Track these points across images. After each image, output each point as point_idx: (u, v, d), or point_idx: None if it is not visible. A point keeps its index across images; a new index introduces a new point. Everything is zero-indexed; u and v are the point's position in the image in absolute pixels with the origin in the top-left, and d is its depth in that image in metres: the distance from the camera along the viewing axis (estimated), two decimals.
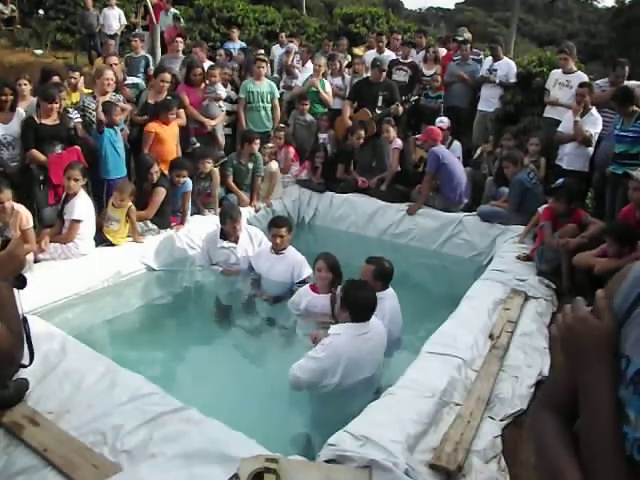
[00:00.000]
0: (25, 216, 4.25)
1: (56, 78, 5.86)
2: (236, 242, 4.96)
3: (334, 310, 3.92)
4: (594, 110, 5.81)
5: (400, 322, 3.82)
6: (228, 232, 4.95)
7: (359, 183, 6.79)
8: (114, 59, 6.63)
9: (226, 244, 4.93)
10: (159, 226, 5.32)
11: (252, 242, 5.04)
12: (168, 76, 6.17)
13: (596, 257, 4.25)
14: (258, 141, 6.20)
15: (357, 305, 3.23)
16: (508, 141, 6.39)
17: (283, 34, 9.75)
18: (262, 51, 8.54)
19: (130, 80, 6.67)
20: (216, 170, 5.95)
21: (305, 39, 10.84)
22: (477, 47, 8.13)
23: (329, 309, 3.97)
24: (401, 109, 7.01)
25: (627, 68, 5.99)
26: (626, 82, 5.82)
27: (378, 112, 6.98)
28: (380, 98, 7.03)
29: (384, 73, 7.15)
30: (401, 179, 6.64)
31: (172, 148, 5.92)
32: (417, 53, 8.15)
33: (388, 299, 3.70)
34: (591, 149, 5.85)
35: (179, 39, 7.83)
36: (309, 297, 4.11)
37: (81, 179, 4.68)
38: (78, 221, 4.59)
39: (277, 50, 9.34)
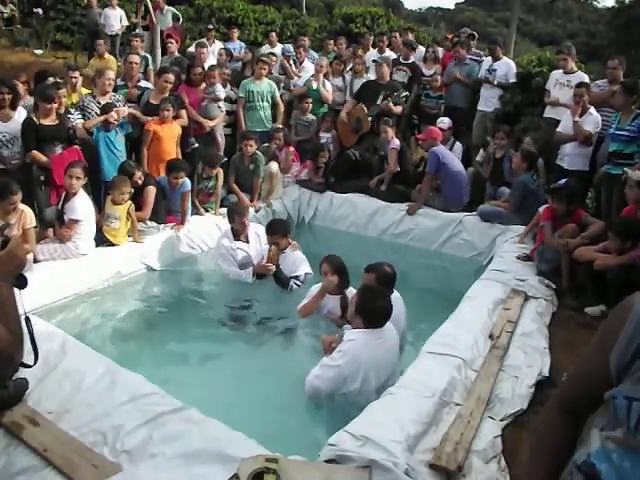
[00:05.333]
0: (29, 216, 4.26)
1: (51, 79, 5.85)
2: (247, 241, 5.01)
3: (344, 312, 3.91)
4: (593, 110, 5.81)
5: (402, 327, 3.76)
6: (238, 230, 4.98)
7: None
8: (136, 58, 6.60)
9: (240, 244, 4.96)
10: (156, 222, 5.38)
11: (259, 239, 5.07)
12: (171, 76, 6.17)
13: (597, 252, 4.24)
14: (252, 142, 6.19)
15: (372, 313, 3.20)
16: (501, 140, 6.38)
17: (273, 34, 9.69)
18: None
19: (143, 84, 6.66)
20: (221, 171, 5.96)
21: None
22: (477, 47, 8.11)
23: (339, 310, 3.96)
24: (399, 108, 7.00)
25: (617, 61, 5.97)
26: None
27: (372, 109, 7.00)
28: (380, 97, 7.04)
29: (384, 69, 7.12)
30: (401, 179, 6.65)
31: (170, 148, 5.92)
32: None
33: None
34: (591, 148, 5.85)
35: (169, 40, 7.84)
36: None
37: (82, 178, 4.70)
38: (76, 221, 4.60)
39: (272, 49, 9.28)
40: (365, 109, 7.01)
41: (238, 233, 5.01)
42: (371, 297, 3.27)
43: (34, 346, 2.43)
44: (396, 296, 3.77)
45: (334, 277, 3.93)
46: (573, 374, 1.32)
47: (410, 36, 8.64)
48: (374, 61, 7.33)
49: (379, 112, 6.90)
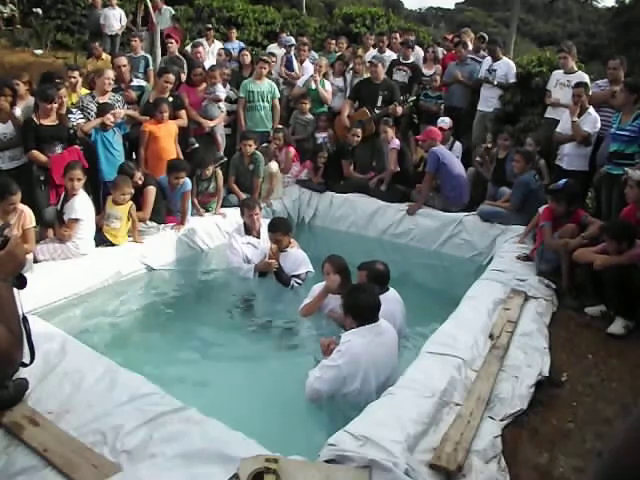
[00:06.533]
0: (29, 216, 4.26)
1: (58, 81, 5.85)
2: (258, 237, 5.04)
3: None
4: (591, 109, 5.82)
5: (400, 325, 3.76)
6: (249, 225, 5.03)
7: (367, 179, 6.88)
8: (123, 60, 6.60)
9: (250, 239, 5.00)
10: (156, 222, 5.39)
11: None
12: (172, 77, 6.19)
13: (596, 253, 4.24)
14: (251, 142, 6.20)
15: (358, 308, 3.21)
16: (505, 141, 6.38)
17: (284, 34, 9.70)
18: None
19: (136, 82, 6.66)
20: (219, 171, 5.96)
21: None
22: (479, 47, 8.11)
23: (340, 310, 3.95)
24: (400, 109, 7.00)
25: (619, 61, 5.96)
26: None
27: (377, 112, 6.99)
28: (380, 98, 7.04)
29: (379, 69, 7.10)
30: (401, 179, 6.65)
31: (169, 146, 5.94)
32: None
33: (386, 303, 3.63)
34: (590, 148, 5.85)
35: (169, 40, 7.84)
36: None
37: (83, 178, 4.71)
38: (77, 220, 4.61)
39: (276, 49, 9.31)
40: (368, 112, 7.00)
41: (250, 228, 5.05)
42: (352, 293, 3.30)
43: (30, 345, 2.43)
44: (392, 294, 3.79)
45: (336, 276, 3.93)
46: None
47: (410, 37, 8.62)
48: (369, 62, 7.34)
49: (386, 114, 6.89)
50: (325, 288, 3.99)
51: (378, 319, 3.23)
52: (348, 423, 2.60)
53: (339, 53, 8.61)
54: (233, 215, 6.00)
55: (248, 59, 7.75)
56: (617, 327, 3.95)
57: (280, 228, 4.74)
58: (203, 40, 8.93)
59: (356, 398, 3.06)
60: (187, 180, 5.51)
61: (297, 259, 4.77)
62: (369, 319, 3.19)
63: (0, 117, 5.02)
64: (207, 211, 5.94)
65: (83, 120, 5.59)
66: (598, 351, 3.74)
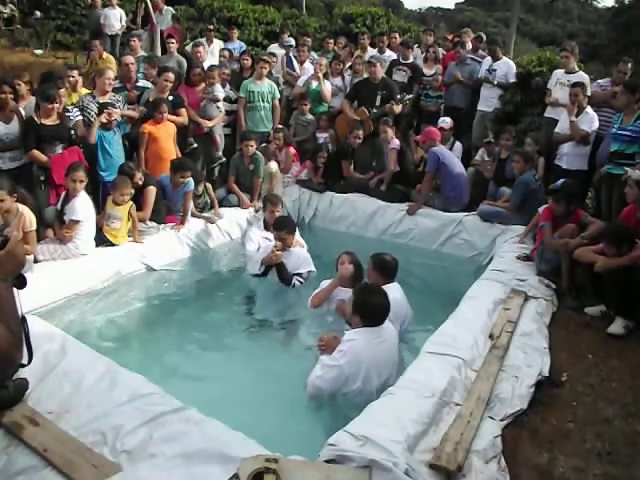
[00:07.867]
0: (29, 218, 4.23)
1: (60, 81, 5.85)
2: None
3: None
4: (589, 109, 5.83)
5: (405, 315, 3.82)
6: (269, 221, 5.09)
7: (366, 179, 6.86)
8: (130, 58, 6.59)
9: (268, 234, 5.03)
10: (156, 222, 5.39)
11: None
12: (172, 76, 6.19)
13: (597, 253, 4.23)
14: (252, 142, 6.21)
15: (369, 311, 3.21)
16: (507, 141, 6.38)
17: (285, 35, 9.68)
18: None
19: (142, 83, 6.66)
20: (209, 185, 5.98)
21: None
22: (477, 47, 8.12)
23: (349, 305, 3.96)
24: (399, 108, 6.98)
25: (630, 65, 5.99)
26: None
27: (375, 111, 6.99)
28: (379, 97, 7.03)
29: (377, 69, 7.08)
30: (401, 179, 6.65)
31: (169, 146, 5.95)
32: (422, 53, 8.20)
33: (392, 292, 3.65)
34: (589, 148, 5.85)
35: (170, 39, 7.85)
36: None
37: (85, 180, 4.71)
38: (77, 222, 4.60)
39: (277, 49, 9.31)
40: (367, 111, 7.00)
41: (269, 224, 5.10)
42: (365, 294, 3.29)
43: (29, 345, 2.44)
44: (395, 285, 3.84)
45: (350, 266, 3.99)
46: None
47: (431, 38, 8.59)
48: (368, 62, 7.34)
49: (384, 114, 6.89)
50: (339, 275, 4.03)
51: (384, 323, 3.24)
52: (348, 423, 2.60)
53: (335, 53, 8.61)
54: (233, 215, 6.01)
55: (249, 63, 7.76)
56: (617, 327, 3.95)
57: (285, 226, 4.78)
58: (203, 40, 8.93)
59: (357, 397, 3.07)
60: (190, 180, 5.51)
61: (300, 258, 4.79)
62: (377, 322, 3.20)
63: (3, 118, 5.02)
64: (202, 211, 5.93)
65: (81, 118, 5.58)
66: (598, 351, 3.74)
